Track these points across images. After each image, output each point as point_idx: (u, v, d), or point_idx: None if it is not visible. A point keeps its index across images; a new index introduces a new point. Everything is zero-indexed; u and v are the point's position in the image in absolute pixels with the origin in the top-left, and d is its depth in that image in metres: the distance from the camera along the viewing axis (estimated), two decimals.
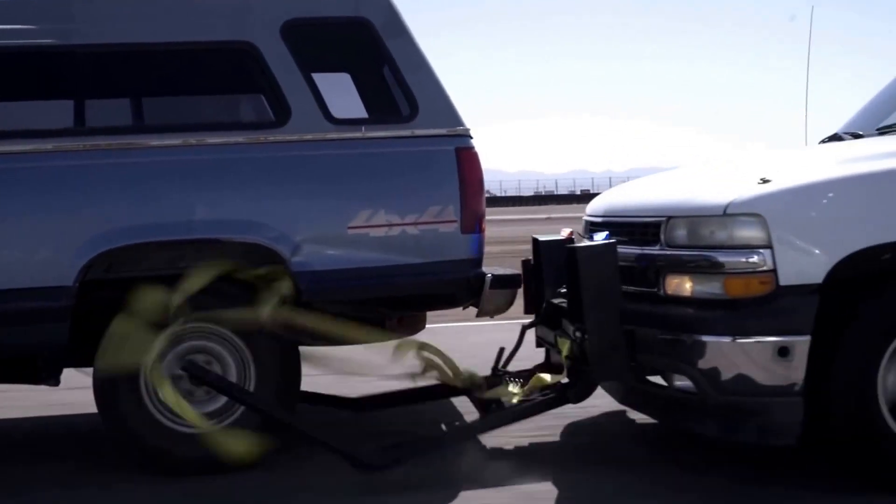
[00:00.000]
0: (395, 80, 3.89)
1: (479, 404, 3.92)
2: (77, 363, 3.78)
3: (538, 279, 4.00)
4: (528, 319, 4.04)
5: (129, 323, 3.51)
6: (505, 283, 3.84)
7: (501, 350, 4.04)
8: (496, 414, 3.75)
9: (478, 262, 3.84)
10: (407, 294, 3.81)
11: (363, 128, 3.82)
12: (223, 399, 3.69)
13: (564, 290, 3.73)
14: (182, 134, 3.72)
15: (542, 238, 4.05)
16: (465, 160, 3.81)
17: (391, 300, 3.84)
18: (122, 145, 3.67)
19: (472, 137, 3.90)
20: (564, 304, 3.70)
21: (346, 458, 3.47)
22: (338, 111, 3.85)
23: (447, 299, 3.90)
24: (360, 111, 4.38)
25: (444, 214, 3.77)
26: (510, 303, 3.91)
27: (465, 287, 3.81)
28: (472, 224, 3.80)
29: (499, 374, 4.00)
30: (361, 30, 3.89)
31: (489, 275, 3.81)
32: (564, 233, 4.08)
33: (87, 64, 3.78)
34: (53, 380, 3.73)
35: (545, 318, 3.91)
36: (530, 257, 4.15)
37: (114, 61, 3.83)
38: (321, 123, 3.76)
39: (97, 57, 3.78)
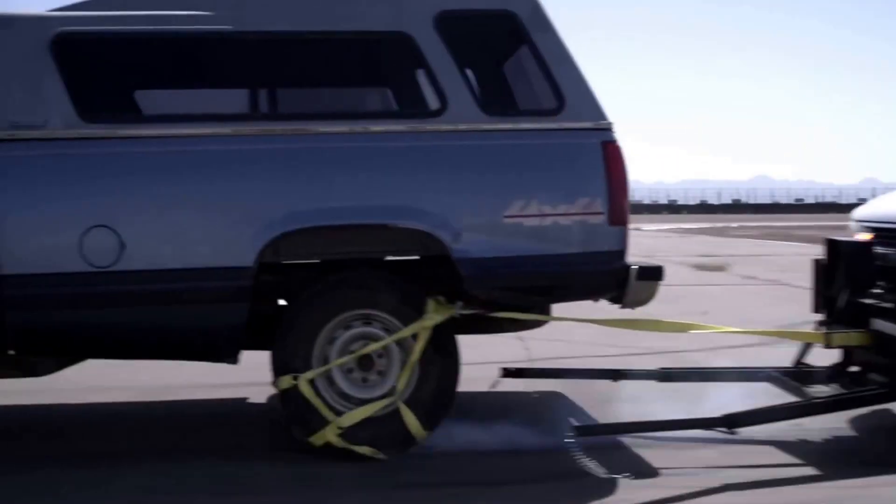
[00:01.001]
0: (541, 73, 4.06)
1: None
2: (250, 345, 3.98)
3: (830, 279, 4.25)
4: None
5: None
6: (650, 275, 4.03)
7: (807, 346, 4.34)
8: (819, 401, 4.01)
9: (623, 253, 4.04)
10: (558, 283, 4.03)
11: (514, 119, 4.01)
12: (389, 384, 3.93)
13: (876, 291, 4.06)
14: (348, 121, 3.89)
15: (840, 239, 4.29)
16: (611, 153, 4.01)
17: (540, 289, 4.06)
18: (294, 131, 3.84)
19: (615, 131, 4.10)
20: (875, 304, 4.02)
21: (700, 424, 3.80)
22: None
23: (594, 289, 4.09)
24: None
25: (593, 206, 3.96)
26: (652, 295, 4.12)
27: (612, 278, 4.01)
28: (619, 216, 4.00)
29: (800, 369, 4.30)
30: (508, 23, 4.05)
31: (635, 266, 4.04)
32: (860, 236, 4.34)
33: (257, 50, 3.92)
34: (233, 358, 3.93)
35: (842, 318, 4.15)
36: (821, 257, 4.42)
37: (280, 48, 3.97)
38: (476, 114, 3.93)
39: (267, 44, 3.93)
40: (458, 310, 3.88)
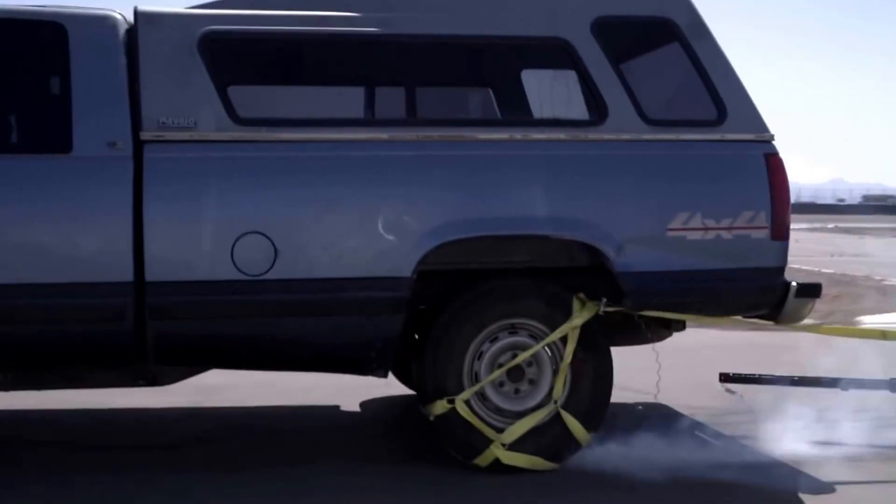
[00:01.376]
0: (700, 82, 3.90)
1: None
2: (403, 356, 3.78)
3: None
4: None
5: None
6: (809, 292, 3.87)
7: None
8: None
9: (783, 269, 3.87)
10: (716, 300, 3.84)
11: (676, 130, 3.85)
12: (542, 392, 3.73)
13: None
14: (508, 128, 3.71)
15: None
16: (774, 166, 3.84)
17: (697, 305, 3.87)
18: (452, 137, 3.67)
19: (776, 143, 3.94)
20: None
21: None
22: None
23: (753, 306, 3.91)
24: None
25: (756, 220, 3.79)
26: (809, 312, 3.95)
27: (772, 295, 3.83)
28: (781, 231, 3.83)
29: None
30: (666, 30, 3.90)
31: (794, 283, 3.86)
32: None
33: (412, 54, 3.76)
34: (383, 371, 3.72)
35: None
36: None
37: (436, 52, 3.82)
38: (637, 123, 3.77)
39: (422, 48, 3.76)
40: (603, 307, 3.70)
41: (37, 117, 3.58)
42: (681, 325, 4.15)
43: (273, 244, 3.48)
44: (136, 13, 3.64)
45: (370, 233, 3.55)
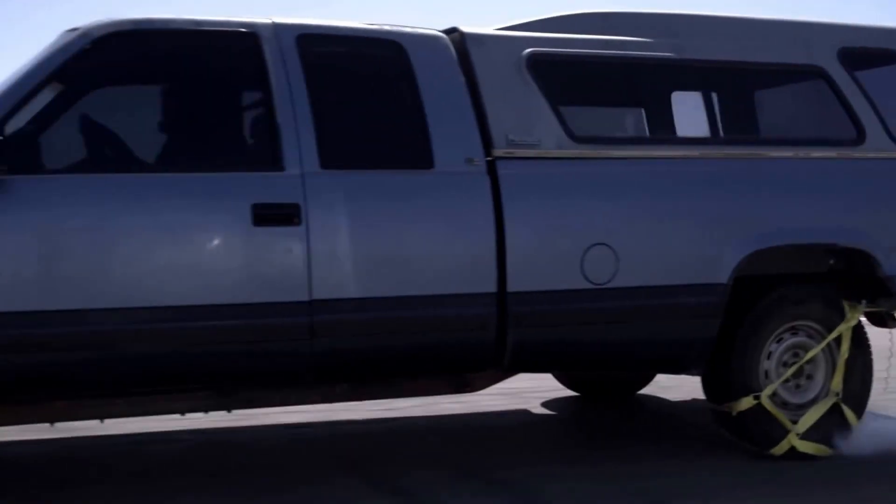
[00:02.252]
0: None
1: None
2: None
3: None
4: None
5: None
6: None
7: None
8: None
9: None
10: None
11: None
12: (818, 385, 4.13)
13: None
14: (792, 147, 4.10)
15: None
16: None
17: None
18: (751, 155, 4.03)
19: None
20: None
21: None
22: None
23: None
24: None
25: None
26: None
27: None
28: None
29: None
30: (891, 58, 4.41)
31: None
32: None
33: (704, 76, 4.09)
34: (698, 370, 4.00)
35: None
36: None
37: (720, 75, 4.16)
38: (887, 142, 4.24)
39: (710, 71, 4.11)
40: (864, 307, 4.14)
41: (397, 135, 3.67)
42: None
43: (615, 254, 3.73)
44: (464, 35, 3.80)
45: (696, 242, 3.85)
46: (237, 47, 3.52)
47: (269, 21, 3.58)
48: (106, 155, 3.43)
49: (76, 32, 3.37)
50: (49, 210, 3.17)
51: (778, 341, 4.09)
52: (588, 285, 3.70)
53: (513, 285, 3.62)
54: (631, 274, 3.75)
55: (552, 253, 3.68)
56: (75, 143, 3.35)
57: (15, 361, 3.16)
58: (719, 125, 4.20)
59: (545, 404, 5.39)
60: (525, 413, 5.23)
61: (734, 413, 4.00)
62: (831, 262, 4.19)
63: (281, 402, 3.79)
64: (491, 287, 3.60)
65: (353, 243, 3.44)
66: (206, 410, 3.70)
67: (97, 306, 3.18)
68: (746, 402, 3.97)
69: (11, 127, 3.17)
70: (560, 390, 5.47)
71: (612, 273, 3.72)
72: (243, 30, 3.53)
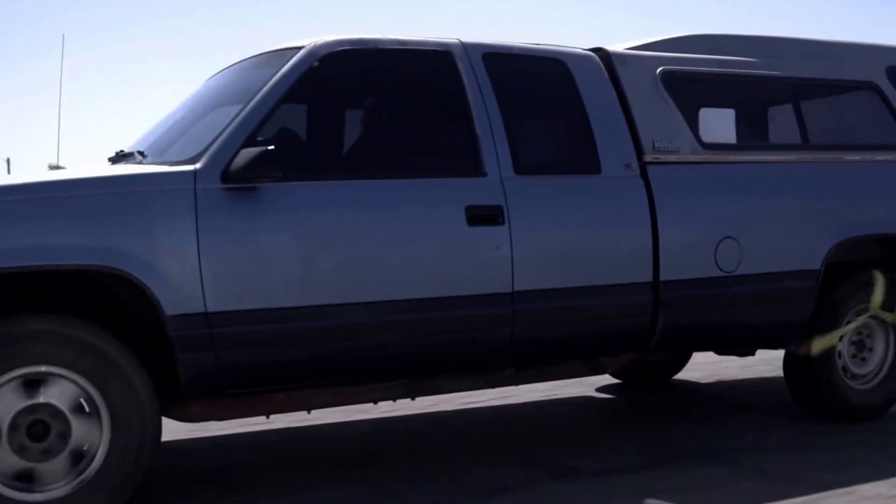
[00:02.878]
0: None
1: None
2: None
3: None
4: None
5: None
6: None
7: None
8: None
9: None
10: None
11: None
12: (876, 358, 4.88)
13: None
14: (864, 152, 4.83)
15: None
16: None
17: None
18: (839, 159, 4.73)
19: None
20: None
21: None
22: None
23: None
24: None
25: None
26: None
27: None
28: None
29: None
30: None
31: None
32: None
33: (795, 90, 4.74)
34: (793, 345, 4.66)
35: None
36: None
37: (803, 90, 4.82)
38: None
39: (798, 87, 4.77)
40: None
41: (571, 143, 4.14)
42: None
43: (740, 246, 4.34)
44: (609, 53, 4.32)
45: (798, 235, 4.51)
46: (436, 65, 3.90)
47: (457, 41, 3.98)
48: (343, 163, 3.75)
49: (304, 50, 3.67)
50: (304, 213, 3.50)
51: (847, 322, 4.82)
52: (720, 273, 4.30)
53: (664, 275, 4.17)
54: (752, 263, 4.38)
55: (694, 245, 4.25)
56: (316, 153, 3.66)
57: (284, 353, 3.47)
58: (808, 133, 4.86)
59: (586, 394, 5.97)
60: (580, 400, 5.78)
61: (812, 353, 4.63)
62: None
63: (465, 387, 4.16)
64: (648, 277, 4.14)
65: (543, 239, 3.91)
66: (395, 399, 4.03)
67: (347, 301, 3.53)
68: (825, 342, 4.63)
69: (263, 140, 3.46)
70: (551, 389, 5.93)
71: (737, 262, 4.34)
72: (439, 49, 3.91)
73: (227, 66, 4.25)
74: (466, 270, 3.76)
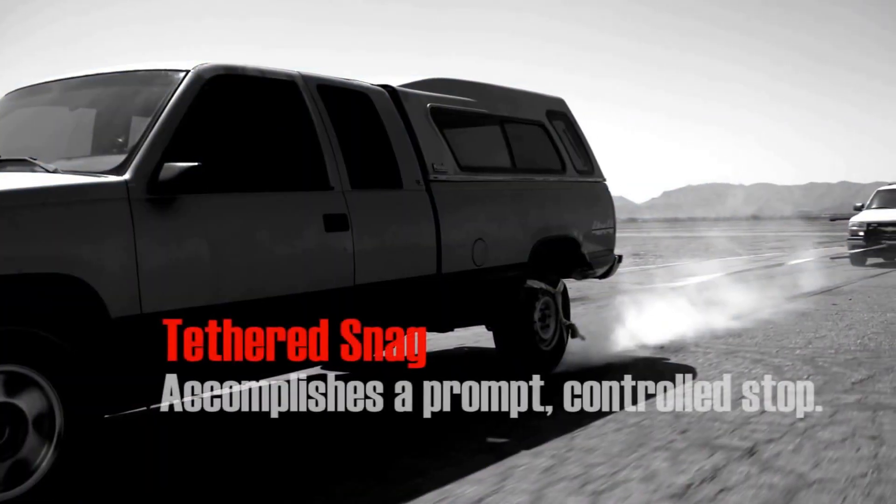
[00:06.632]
0: None
1: None
2: None
3: None
4: None
5: None
6: None
7: None
8: None
9: None
10: None
11: None
12: None
13: None
14: (544, 174, 6.37)
15: None
16: None
17: None
18: (531, 179, 6.21)
19: None
20: None
21: None
22: None
23: None
24: None
25: None
26: None
27: None
28: None
29: None
30: None
31: None
32: None
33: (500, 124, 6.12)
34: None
35: None
36: None
37: (502, 126, 6.22)
38: None
39: (500, 122, 6.16)
40: None
41: (381, 163, 5.01)
42: None
43: (486, 244, 5.61)
44: (396, 90, 5.30)
45: (516, 235, 5.91)
46: (287, 93, 4.54)
47: (297, 72, 4.67)
48: (236, 177, 4.20)
49: (192, 73, 4.10)
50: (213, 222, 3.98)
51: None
52: (472, 266, 5.55)
53: (445, 268, 5.29)
54: (497, 255, 5.68)
55: (454, 240, 5.43)
56: (217, 168, 4.07)
57: None
58: (514, 158, 6.29)
59: None
60: None
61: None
62: None
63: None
64: (433, 270, 5.23)
65: (374, 243, 4.78)
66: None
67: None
68: None
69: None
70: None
71: (485, 257, 5.61)
72: (286, 79, 4.57)
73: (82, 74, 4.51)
74: (325, 268, 4.49)
